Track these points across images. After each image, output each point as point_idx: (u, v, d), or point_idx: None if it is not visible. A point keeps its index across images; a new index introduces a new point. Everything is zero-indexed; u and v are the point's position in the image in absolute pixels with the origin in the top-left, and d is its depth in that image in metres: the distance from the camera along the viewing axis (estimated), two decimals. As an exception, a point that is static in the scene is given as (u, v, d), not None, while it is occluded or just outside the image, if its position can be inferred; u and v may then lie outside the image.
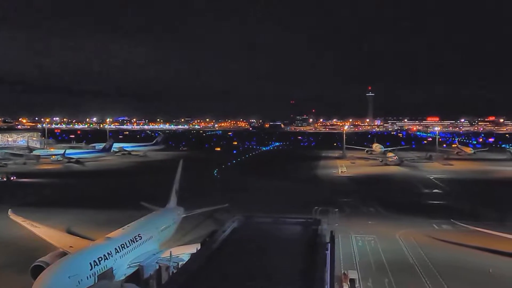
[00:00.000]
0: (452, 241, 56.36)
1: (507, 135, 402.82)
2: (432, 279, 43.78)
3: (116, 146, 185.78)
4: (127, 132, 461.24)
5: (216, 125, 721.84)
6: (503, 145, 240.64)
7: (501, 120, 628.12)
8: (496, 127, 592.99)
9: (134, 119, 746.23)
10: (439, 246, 55.17)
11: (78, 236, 50.36)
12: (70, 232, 54.96)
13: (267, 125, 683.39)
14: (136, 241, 41.83)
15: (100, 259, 35.68)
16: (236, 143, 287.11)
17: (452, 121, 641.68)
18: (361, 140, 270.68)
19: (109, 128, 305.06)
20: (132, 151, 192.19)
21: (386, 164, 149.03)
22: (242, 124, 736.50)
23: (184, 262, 26.66)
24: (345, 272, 40.92)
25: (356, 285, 39.59)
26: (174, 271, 32.12)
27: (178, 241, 52.01)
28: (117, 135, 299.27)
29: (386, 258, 49.93)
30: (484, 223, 59.25)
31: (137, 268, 38.29)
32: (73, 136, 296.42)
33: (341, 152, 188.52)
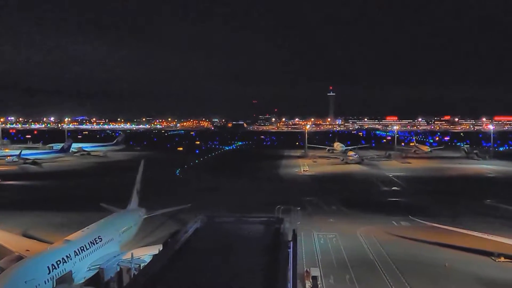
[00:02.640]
0: (410, 237, 57.95)
1: (461, 134, 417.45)
2: (391, 274, 44.90)
3: (75, 146, 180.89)
4: (87, 132, 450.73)
5: (178, 125, 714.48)
6: (458, 143, 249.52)
7: (456, 119, 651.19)
8: (451, 126, 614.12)
9: (94, 119, 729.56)
10: (398, 242, 56.58)
11: (35, 240, 48.93)
12: (26, 236, 53.08)
13: (230, 125, 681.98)
14: (96, 243, 40.94)
15: (58, 262, 34.68)
16: (198, 142, 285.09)
17: (410, 120, 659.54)
18: (322, 139, 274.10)
19: (68, 127, 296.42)
20: (92, 151, 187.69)
21: (347, 163, 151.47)
22: (205, 123, 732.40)
23: (145, 264, 26.35)
24: (308, 270, 41.48)
25: (318, 282, 40.20)
26: (136, 273, 31.67)
27: (139, 242, 51.22)
28: (76, 135, 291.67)
29: (347, 255, 50.81)
30: (440, 219, 61.32)
31: (97, 270, 37.68)
32: (30, 136, 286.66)
33: (303, 151, 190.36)
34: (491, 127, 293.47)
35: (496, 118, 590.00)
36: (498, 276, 44.33)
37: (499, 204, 67.31)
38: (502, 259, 48.39)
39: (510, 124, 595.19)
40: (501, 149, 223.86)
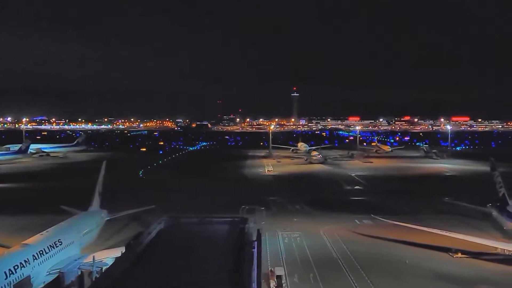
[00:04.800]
0: (372, 235, 59.12)
1: (421, 134, 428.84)
2: (354, 271, 45.71)
3: (33, 147, 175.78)
4: (46, 133, 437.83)
5: (141, 125, 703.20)
6: (417, 143, 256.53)
7: (416, 120, 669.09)
8: (411, 126, 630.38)
9: (53, 119, 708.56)
10: (360, 240, 57.63)
11: (-10, 244, 47.14)
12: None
13: (194, 125, 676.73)
14: (56, 246, 39.88)
15: (16, 267, 33.56)
16: (162, 143, 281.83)
17: (371, 121, 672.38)
18: (286, 139, 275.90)
19: (26, 128, 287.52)
20: (51, 152, 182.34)
21: (311, 163, 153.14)
22: (169, 124, 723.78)
23: (108, 267, 25.85)
24: (272, 269, 41.75)
25: (282, 282, 40.51)
26: (97, 276, 31.07)
27: (101, 245, 50.25)
28: (34, 136, 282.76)
29: (311, 254, 51.39)
30: (401, 217, 62.80)
31: (57, 275, 36.69)
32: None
33: (268, 151, 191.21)
34: (448, 127, 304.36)
35: (454, 118, 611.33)
36: (455, 271, 45.86)
37: (456, 201, 69.51)
38: (459, 254, 50.05)
39: (466, 125, 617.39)
40: (458, 148, 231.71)
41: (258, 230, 27.25)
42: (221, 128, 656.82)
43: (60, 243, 40.72)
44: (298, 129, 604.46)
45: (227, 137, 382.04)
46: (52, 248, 39.24)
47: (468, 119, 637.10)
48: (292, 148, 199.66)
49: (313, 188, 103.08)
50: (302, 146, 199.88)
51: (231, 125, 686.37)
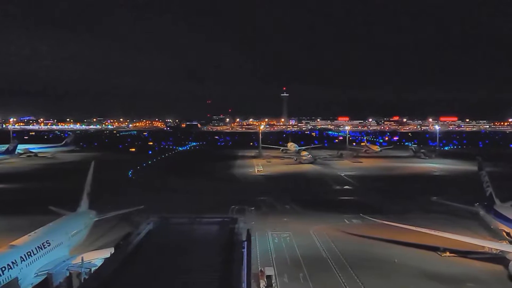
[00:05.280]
0: (362, 234, 59.45)
1: (409, 134, 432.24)
2: (343, 270, 46.00)
3: (21, 147, 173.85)
4: (34, 133, 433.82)
5: (130, 125, 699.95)
6: (406, 143, 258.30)
7: (404, 120, 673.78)
8: (400, 126, 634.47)
9: (41, 119, 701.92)
10: (350, 239, 57.94)
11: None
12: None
13: (183, 125, 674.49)
14: (44, 248, 39.57)
15: (3, 269, 33.28)
16: (151, 143, 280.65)
17: (360, 121, 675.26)
18: (276, 139, 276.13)
19: (13, 128, 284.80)
20: (39, 152, 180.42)
21: (300, 163, 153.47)
22: (158, 124, 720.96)
23: (96, 268, 25.71)
24: (262, 269, 41.70)
25: (272, 281, 40.54)
26: (86, 277, 30.88)
27: (90, 246, 49.96)
28: (22, 136, 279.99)
29: (301, 254, 51.58)
30: (390, 216, 63.27)
31: (45, 276, 36.38)
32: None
33: (257, 151, 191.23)
34: (436, 127, 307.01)
35: (442, 118, 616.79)
36: (443, 270, 46.31)
37: (444, 200, 70.06)
38: (447, 253, 50.61)
39: (454, 125, 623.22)
40: (446, 148, 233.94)
41: (248, 230, 27.26)
42: (211, 128, 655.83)
43: (48, 244, 40.41)
44: (288, 129, 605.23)
45: (217, 137, 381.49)
46: (40, 249, 38.92)
47: (456, 119, 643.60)
48: (282, 148, 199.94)
49: (303, 188, 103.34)
50: (292, 146, 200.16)
51: (221, 125, 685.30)
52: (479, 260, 48.46)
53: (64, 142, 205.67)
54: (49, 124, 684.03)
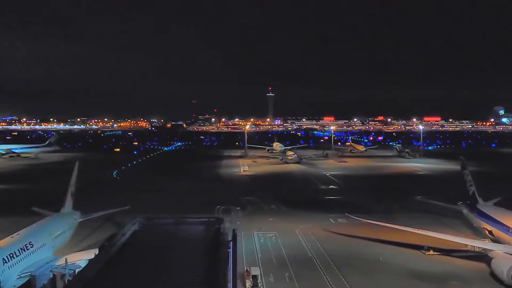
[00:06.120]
0: (347, 233, 59.79)
1: (394, 134, 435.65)
2: (329, 270, 46.23)
3: (3, 147, 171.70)
4: (16, 133, 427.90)
5: (115, 125, 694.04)
6: (390, 143, 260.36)
7: (389, 120, 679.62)
8: (384, 126, 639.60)
9: (24, 119, 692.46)
10: (335, 239, 58.24)
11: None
12: None
13: (169, 125, 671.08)
14: (27, 249, 39.06)
15: (-15, 271, 32.77)
16: (136, 143, 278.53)
17: (346, 121, 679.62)
18: (262, 139, 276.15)
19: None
20: (22, 153, 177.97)
21: (286, 162, 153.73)
22: (143, 124, 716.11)
23: (81, 269, 25.44)
24: (248, 269, 41.81)
25: (258, 281, 40.62)
26: (70, 279, 30.55)
27: (74, 247, 49.38)
28: (4, 136, 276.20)
29: (287, 253, 51.68)
30: (375, 215, 63.74)
31: (28, 278, 35.93)
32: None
33: (243, 151, 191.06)
34: (420, 127, 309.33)
35: (425, 118, 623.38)
36: (428, 268, 46.82)
37: (428, 200, 70.83)
38: (431, 252, 51.18)
39: (438, 124, 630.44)
40: (430, 148, 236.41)
41: (234, 230, 27.25)
42: (197, 128, 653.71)
43: (32, 245, 39.90)
44: (274, 129, 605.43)
45: (202, 137, 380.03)
46: (23, 251, 38.42)
47: (440, 119, 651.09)
48: (268, 148, 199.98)
49: (288, 187, 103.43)
50: (277, 146, 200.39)
51: (207, 125, 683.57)
52: (462, 258, 49.06)
53: (47, 142, 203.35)
54: (32, 124, 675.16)
